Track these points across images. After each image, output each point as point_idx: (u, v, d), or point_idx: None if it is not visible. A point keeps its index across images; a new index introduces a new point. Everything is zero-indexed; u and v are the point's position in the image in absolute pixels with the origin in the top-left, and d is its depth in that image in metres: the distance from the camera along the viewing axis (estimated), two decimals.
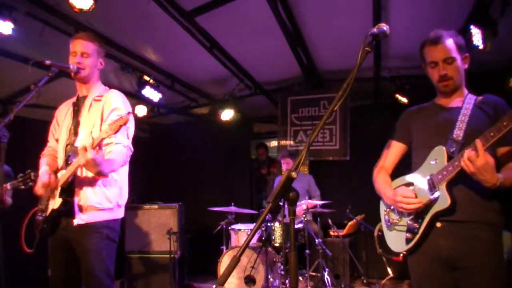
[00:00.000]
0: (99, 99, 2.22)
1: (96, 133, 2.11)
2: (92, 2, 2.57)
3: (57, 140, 2.31)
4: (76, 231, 2.05)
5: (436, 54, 1.75)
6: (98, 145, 1.89)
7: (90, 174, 2.06)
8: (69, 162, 2.07)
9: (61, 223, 2.12)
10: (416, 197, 1.72)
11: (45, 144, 2.43)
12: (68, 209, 2.05)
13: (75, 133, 2.18)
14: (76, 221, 2.04)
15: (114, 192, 2.16)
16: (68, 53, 2.22)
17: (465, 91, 1.83)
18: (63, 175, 2.07)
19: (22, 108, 1.94)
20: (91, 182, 2.08)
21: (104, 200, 2.10)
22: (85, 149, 1.84)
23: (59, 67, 2.06)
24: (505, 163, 1.66)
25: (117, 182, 2.18)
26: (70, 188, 2.07)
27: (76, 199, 2.06)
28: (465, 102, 1.76)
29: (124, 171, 2.25)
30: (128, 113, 1.87)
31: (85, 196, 2.07)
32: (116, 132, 1.85)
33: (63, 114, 2.31)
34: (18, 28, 2.86)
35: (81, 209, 2.05)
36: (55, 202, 2.08)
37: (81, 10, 2.58)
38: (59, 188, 2.07)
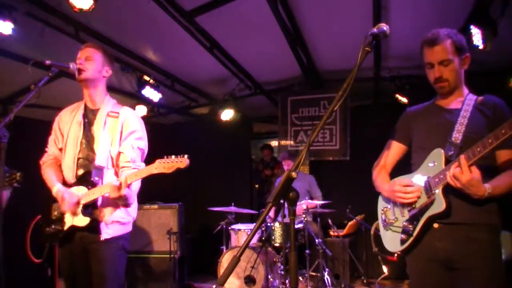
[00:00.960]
0: (114, 116, 2.20)
1: (115, 152, 2.14)
2: (92, 2, 2.57)
3: (60, 150, 2.26)
4: (96, 243, 2.06)
5: (432, 56, 1.73)
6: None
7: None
8: (91, 181, 2.06)
9: (76, 235, 2.11)
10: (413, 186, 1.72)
11: (44, 146, 2.37)
12: (93, 226, 2.06)
13: (91, 149, 2.14)
14: (103, 236, 2.06)
15: (133, 207, 2.22)
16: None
17: (465, 91, 1.82)
18: (87, 194, 2.05)
19: (22, 108, 1.93)
20: (116, 201, 2.10)
21: (126, 215, 2.17)
22: (120, 186, 1.92)
23: (59, 67, 2.05)
24: (503, 168, 1.65)
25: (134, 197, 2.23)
26: (92, 206, 2.08)
27: (100, 216, 2.08)
28: (465, 104, 1.74)
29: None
30: (186, 156, 1.88)
31: (110, 213, 2.10)
32: (171, 173, 1.89)
33: (67, 122, 2.24)
34: (18, 28, 2.85)
35: (106, 224, 2.08)
36: (79, 220, 2.05)
37: (81, 10, 2.58)
38: (82, 206, 2.05)
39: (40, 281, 4.21)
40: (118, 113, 2.21)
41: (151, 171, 1.91)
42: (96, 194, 2.04)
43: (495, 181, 1.58)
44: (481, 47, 2.97)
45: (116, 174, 2.15)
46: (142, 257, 4.53)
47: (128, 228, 2.22)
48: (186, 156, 1.87)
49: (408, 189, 1.72)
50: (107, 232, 2.07)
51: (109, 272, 2.07)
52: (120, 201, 2.05)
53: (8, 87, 4.45)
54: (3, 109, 4.67)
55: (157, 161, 1.91)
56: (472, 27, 2.95)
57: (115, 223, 2.11)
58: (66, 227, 2.09)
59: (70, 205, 2.03)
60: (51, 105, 4.30)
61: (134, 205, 2.23)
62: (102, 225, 2.07)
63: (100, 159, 2.10)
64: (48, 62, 2.01)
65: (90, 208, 2.07)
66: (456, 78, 1.75)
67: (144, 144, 2.23)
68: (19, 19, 2.86)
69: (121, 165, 2.13)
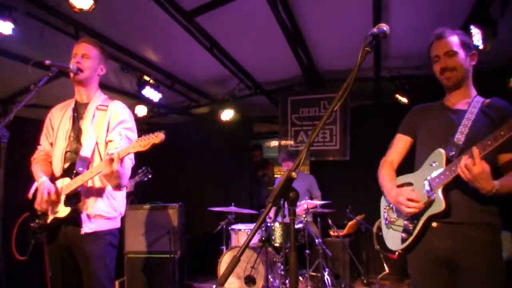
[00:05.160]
0: (103, 109, 2.20)
1: (102, 143, 2.12)
2: (92, 2, 2.57)
3: (51, 144, 2.27)
4: (80, 238, 2.04)
5: (439, 48, 1.78)
6: (121, 159, 1.91)
7: (97, 184, 2.08)
8: (75, 171, 2.04)
9: (61, 231, 2.09)
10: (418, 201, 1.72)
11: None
12: (74, 218, 2.04)
13: (78, 141, 2.14)
14: (84, 230, 2.03)
15: (119, 202, 2.19)
16: (68, 52, 2.22)
17: (473, 92, 1.82)
18: (70, 183, 2.04)
19: (22, 108, 1.93)
20: (99, 192, 2.09)
21: (111, 210, 2.13)
22: (111, 160, 1.87)
23: (59, 67, 2.05)
24: (506, 170, 1.66)
25: (121, 192, 2.20)
26: (75, 197, 2.06)
27: (83, 208, 2.06)
28: (471, 106, 1.75)
29: None
30: (162, 131, 1.85)
31: (93, 205, 2.06)
32: (147, 150, 1.85)
33: (58, 117, 2.26)
34: (18, 28, 2.85)
35: (89, 217, 2.05)
36: (61, 211, 2.05)
37: (81, 10, 2.58)
38: (64, 197, 2.05)
39: (40, 281, 4.21)
40: (107, 106, 2.21)
41: (129, 151, 1.88)
42: (78, 182, 2.01)
43: (503, 180, 1.58)
44: (481, 47, 2.97)
45: None
46: (142, 257, 4.52)
47: (114, 224, 2.17)
48: (163, 131, 1.84)
49: (411, 204, 1.71)
50: (88, 226, 2.04)
51: (98, 269, 2.05)
52: (112, 180, 1.95)
53: (8, 87, 4.44)
54: (3, 109, 4.67)
55: (134, 140, 1.89)
56: (472, 27, 2.95)
57: (98, 217, 2.07)
58: (49, 220, 2.08)
59: (46, 203, 2.02)
60: (51, 105, 4.28)
61: (121, 200, 2.20)
62: (84, 218, 2.04)
63: (86, 150, 2.09)
64: (48, 62, 2.01)
65: (72, 199, 2.04)
66: (462, 71, 1.76)
67: (132, 135, 2.19)
68: (19, 19, 2.86)
69: (110, 152, 2.08)
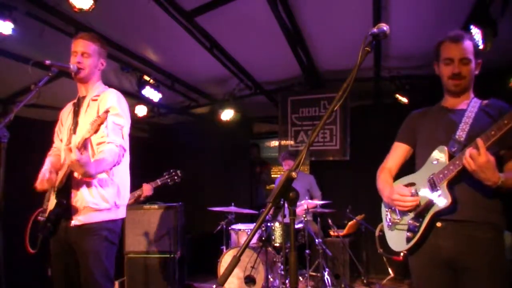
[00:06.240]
0: (95, 99, 2.22)
1: None
2: (92, 2, 2.57)
3: (61, 140, 2.31)
4: (75, 233, 2.04)
5: (455, 51, 1.76)
6: (84, 146, 1.90)
7: None
8: (64, 163, 2.09)
9: (61, 225, 2.11)
10: (411, 195, 1.72)
11: (48, 143, 2.43)
12: (64, 210, 2.05)
13: (74, 134, 2.18)
14: (73, 222, 2.03)
15: (110, 192, 2.12)
16: (68, 53, 2.22)
17: (472, 94, 1.84)
18: (58, 175, 2.09)
19: (22, 108, 1.93)
20: (87, 183, 2.07)
21: (100, 201, 2.08)
22: (69, 149, 1.83)
23: (59, 67, 2.06)
24: (510, 166, 1.65)
25: (114, 182, 2.15)
26: (66, 189, 2.07)
27: (72, 200, 2.06)
28: (470, 105, 1.76)
29: (122, 170, 2.22)
30: (106, 111, 1.85)
31: (81, 196, 2.05)
32: (95, 132, 1.86)
33: (66, 114, 2.32)
34: (18, 28, 2.86)
35: (77, 210, 2.04)
36: (51, 203, 2.09)
37: (81, 10, 2.59)
38: (56, 189, 2.08)
39: (41, 280, 4.21)
40: (99, 95, 2.22)
41: (85, 136, 1.88)
42: (61, 173, 2.04)
43: (508, 173, 1.57)
44: (481, 47, 2.97)
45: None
46: (142, 257, 4.52)
47: (109, 216, 2.10)
48: (106, 112, 1.87)
49: (407, 199, 1.72)
50: (77, 218, 2.04)
51: (94, 266, 2.02)
52: (76, 169, 1.89)
53: (8, 87, 4.44)
54: (3, 109, 4.67)
55: (89, 127, 1.88)
56: (472, 27, 2.95)
57: (87, 209, 2.04)
58: (46, 214, 2.11)
59: (46, 181, 2.08)
60: (51, 105, 4.30)
61: (114, 190, 2.14)
62: (73, 211, 2.04)
63: (75, 142, 2.05)
64: (48, 62, 2.02)
65: (62, 192, 2.06)
66: (470, 80, 1.78)
67: (122, 121, 2.15)
68: (19, 19, 2.86)
69: (97, 141, 2.09)
